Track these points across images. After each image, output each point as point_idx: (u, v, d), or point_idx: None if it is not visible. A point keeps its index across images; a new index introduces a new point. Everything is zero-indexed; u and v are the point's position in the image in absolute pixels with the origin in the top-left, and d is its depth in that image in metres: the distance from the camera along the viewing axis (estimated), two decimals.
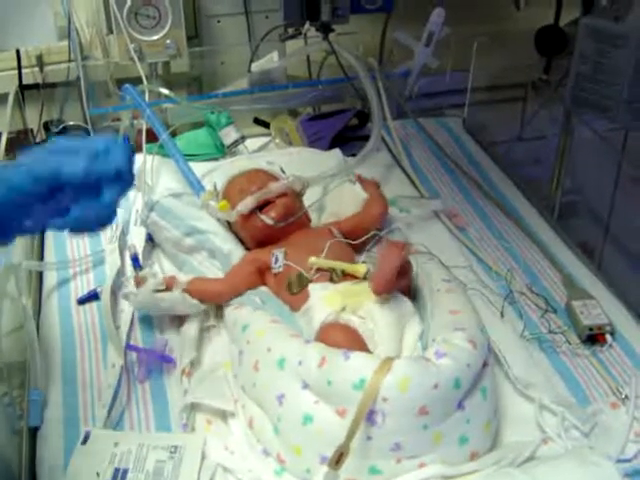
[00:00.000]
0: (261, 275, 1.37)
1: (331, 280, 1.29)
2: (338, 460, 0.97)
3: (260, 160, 1.63)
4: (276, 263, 1.34)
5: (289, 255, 1.35)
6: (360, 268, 1.31)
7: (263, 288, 1.35)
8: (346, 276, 1.31)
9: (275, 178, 1.46)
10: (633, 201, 1.75)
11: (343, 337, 1.12)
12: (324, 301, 1.23)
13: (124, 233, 1.55)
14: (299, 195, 1.48)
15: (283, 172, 1.51)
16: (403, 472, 1.02)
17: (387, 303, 1.19)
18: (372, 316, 1.18)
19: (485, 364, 1.10)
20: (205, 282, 1.38)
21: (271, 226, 1.39)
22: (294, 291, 1.30)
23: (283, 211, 1.40)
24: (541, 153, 2.01)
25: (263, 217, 1.39)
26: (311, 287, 1.27)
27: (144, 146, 1.70)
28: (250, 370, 1.14)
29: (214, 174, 1.66)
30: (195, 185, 1.57)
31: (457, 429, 1.04)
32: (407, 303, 1.23)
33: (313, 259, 1.31)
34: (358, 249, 1.43)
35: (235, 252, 1.42)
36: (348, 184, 1.55)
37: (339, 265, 1.31)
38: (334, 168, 1.64)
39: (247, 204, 1.39)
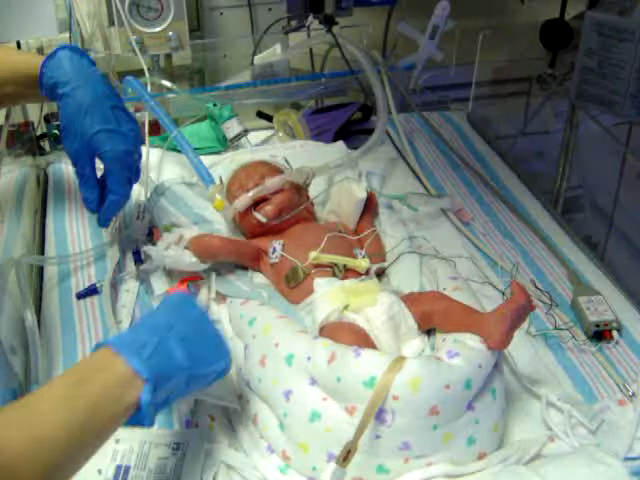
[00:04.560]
0: (258, 259, 1.38)
1: (333, 275, 1.29)
2: (345, 458, 0.96)
3: (263, 154, 1.62)
4: (273, 253, 1.35)
5: (287, 247, 1.34)
6: (362, 263, 1.31)
7: (267, 282, 1.35)
8: (348, 271, 1.30)
9: (277, 171, 1.45)
10: (638, 195, 1.74)
11: (353, 338, 1.10)
12: (327, 297, 1.21)
13: (125, 227, 1.53)
14: (301, 188, 1.47)
15: (287, 163, 1.49)
16: (410, 471, 1.01)
17: (389, 314, 1.18)
18: (370, 322, 1.17)
19: (495, 364, 1.09)
20: (206, 237, 1.39)
21: (265, 223, 1.39)
22: (291, 284, 1.29)
23: (276, 209, 1.40)
24: (546, 147, 2.00)
25: (256, 215, 1.39)
26: (316, 281, 1.26)
27: (147, 139, 1.69)
28: (256, 365, 1.12)
29: (216, 168, 1.65)
30: (205, 177, 1.55)
31: (466, 430, 1.03)
32: (411, 322, 1.19)
33: (314, 254, 1.29)
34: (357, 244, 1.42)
35: None
36: (346, 182, 1.53)
37: (341, 260, 1.30)
38: (338, 161, 1.63)
39: (242, 202, 1.39)
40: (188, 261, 1.34)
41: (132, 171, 1.39)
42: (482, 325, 1.08)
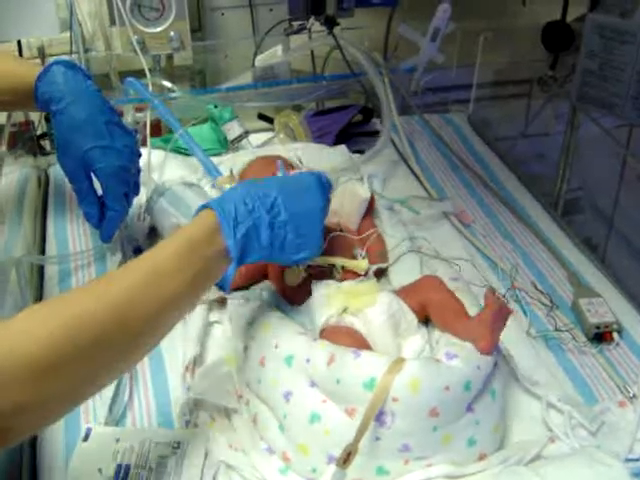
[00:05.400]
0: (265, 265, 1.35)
1: (332, 276, 1.28)
2: (346, 460, 0.96)
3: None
4: None
5: None
6: (362, 264, 1.30)
7: (268, 283, 1.34)
8: (348, 272, 1.29)
9: (293, 168, 1.45)
10: (638, 197, 1.74)
11: (350, 341, 1.10)
12: (326, 300, 1.21)
13: (126, 227, 1.53)
14: None
15: (301, 163, 1.49)
16: (411, 472, 1.01)
17: (389, 312, 1.18)
18: (370, 323, 1.16)
19: (495, 365, 1.09)
20: None
21: None
22: (290, 285, 1.28)
23: None
24: (546, 149, 2.00)
25: None
26: (314, 284, 1.25)
27: (148, 140, 1.69)
28: (256, 366, 1.12)
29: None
30: (213, 172, 1.54)
31: (466, 431, 1.03)
32: (410, 317, 1.19)
33: None
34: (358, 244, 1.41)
35: None
36: (350, 183, 1.52)
37: (339, 261, 1.29)
38: (341, 163, 1.63)
39: None
40: None
41: (129, 186, 1.38)
42: (468, 330, 1.09)
